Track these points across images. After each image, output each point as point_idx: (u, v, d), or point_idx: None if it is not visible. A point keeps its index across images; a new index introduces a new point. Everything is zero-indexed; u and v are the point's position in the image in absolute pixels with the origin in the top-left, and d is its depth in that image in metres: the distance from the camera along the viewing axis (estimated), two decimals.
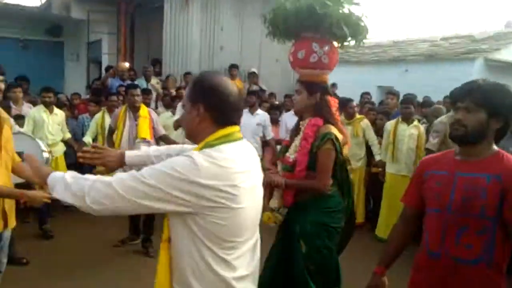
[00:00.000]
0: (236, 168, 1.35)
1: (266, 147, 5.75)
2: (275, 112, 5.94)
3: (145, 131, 4.32)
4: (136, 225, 4.55)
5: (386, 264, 1.91)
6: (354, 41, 2.63)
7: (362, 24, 2.56)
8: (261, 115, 5.66)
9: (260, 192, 1.51)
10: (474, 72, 10.33)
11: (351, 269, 3.08)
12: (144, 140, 4.23)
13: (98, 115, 5.61)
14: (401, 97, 6.19)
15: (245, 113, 5.65)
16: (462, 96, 1.70)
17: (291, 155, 2.53)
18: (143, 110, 4.45)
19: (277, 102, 6.92)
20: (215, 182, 1.29)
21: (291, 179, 2.48)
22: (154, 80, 7.44)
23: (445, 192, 1.72)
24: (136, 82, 7.24)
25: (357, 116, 5.44)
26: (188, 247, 1.35)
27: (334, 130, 2.45)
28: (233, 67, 7.85)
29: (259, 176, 1.52)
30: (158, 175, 1.29)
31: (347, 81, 9.81)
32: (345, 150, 2.55)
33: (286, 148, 2.64)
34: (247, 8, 8.47)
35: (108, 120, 5.50)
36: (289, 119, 5.84)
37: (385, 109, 5.97)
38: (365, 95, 7.33)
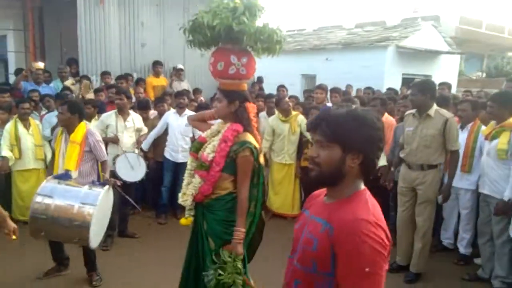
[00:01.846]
0: None
1: None
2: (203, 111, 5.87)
3: (69, 161, 3.50)
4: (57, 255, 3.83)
5: None
6: (268, 54, 2.72)
7: (277, 36, 2.64)
8: (189, 115, 5.57)
9: None
10: (387, 58, 11.10)
11: None
12: (64, 173, 3.42)
13: (9, 125, 5.05)
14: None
15: (173, 114, 5.54)
16: (313, 128, 1.39)
17: (209, 154, 2.62)
18: (77, 133, 3.59)
19: (202, 99, 6.86)
20: None
21: (204, 177, 2.59)
22: (69, 81, 6.94)
23: (297, 237, 1.43)
24: (51, 85, 6.77)
25: (293, 112, 5.56)
26: None
27: (252, 139, 2.61)
28: (157, 63, 7.63)
29: None
30: None
31: (272, 71, 9.98)
32: (261, 159, 2.71)
33: (201, 144, 2.72)
34: (168, 1, 8.22)
35: (21, 130, 5.07)
36: (217, 120, 5.81)
37: (311, 104, 6.17)
38: (280, 89, 7.49)
